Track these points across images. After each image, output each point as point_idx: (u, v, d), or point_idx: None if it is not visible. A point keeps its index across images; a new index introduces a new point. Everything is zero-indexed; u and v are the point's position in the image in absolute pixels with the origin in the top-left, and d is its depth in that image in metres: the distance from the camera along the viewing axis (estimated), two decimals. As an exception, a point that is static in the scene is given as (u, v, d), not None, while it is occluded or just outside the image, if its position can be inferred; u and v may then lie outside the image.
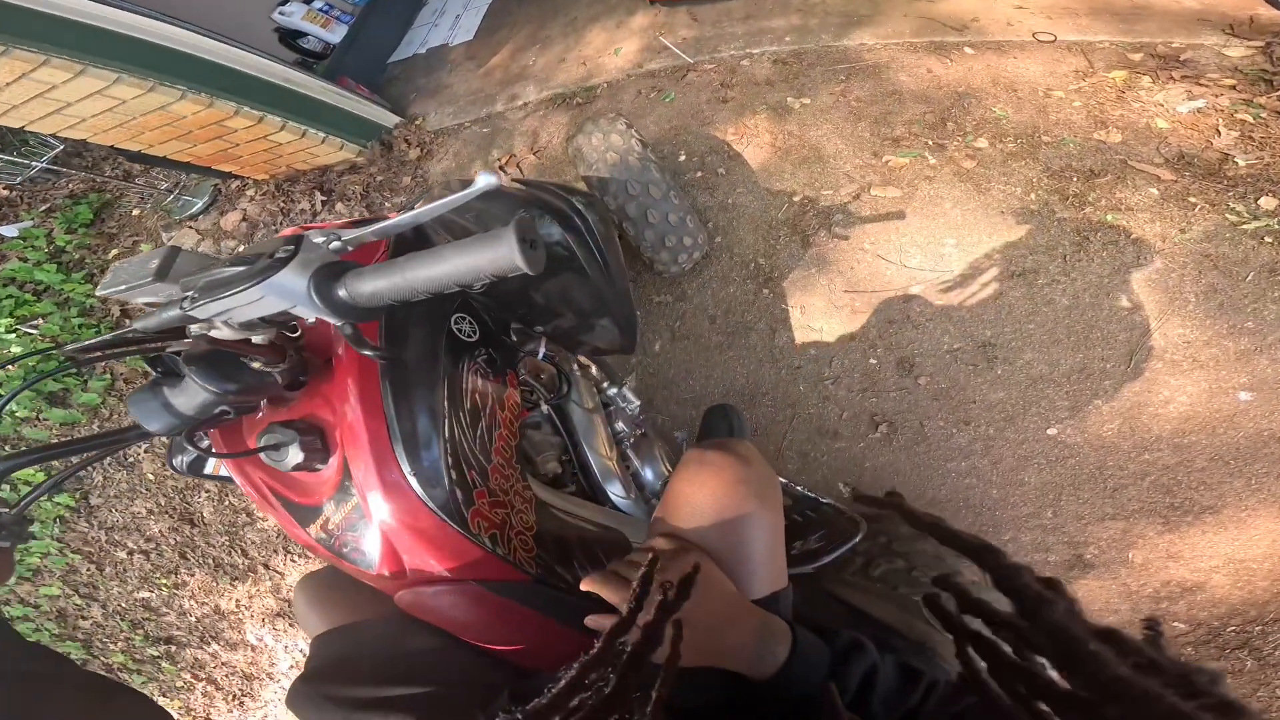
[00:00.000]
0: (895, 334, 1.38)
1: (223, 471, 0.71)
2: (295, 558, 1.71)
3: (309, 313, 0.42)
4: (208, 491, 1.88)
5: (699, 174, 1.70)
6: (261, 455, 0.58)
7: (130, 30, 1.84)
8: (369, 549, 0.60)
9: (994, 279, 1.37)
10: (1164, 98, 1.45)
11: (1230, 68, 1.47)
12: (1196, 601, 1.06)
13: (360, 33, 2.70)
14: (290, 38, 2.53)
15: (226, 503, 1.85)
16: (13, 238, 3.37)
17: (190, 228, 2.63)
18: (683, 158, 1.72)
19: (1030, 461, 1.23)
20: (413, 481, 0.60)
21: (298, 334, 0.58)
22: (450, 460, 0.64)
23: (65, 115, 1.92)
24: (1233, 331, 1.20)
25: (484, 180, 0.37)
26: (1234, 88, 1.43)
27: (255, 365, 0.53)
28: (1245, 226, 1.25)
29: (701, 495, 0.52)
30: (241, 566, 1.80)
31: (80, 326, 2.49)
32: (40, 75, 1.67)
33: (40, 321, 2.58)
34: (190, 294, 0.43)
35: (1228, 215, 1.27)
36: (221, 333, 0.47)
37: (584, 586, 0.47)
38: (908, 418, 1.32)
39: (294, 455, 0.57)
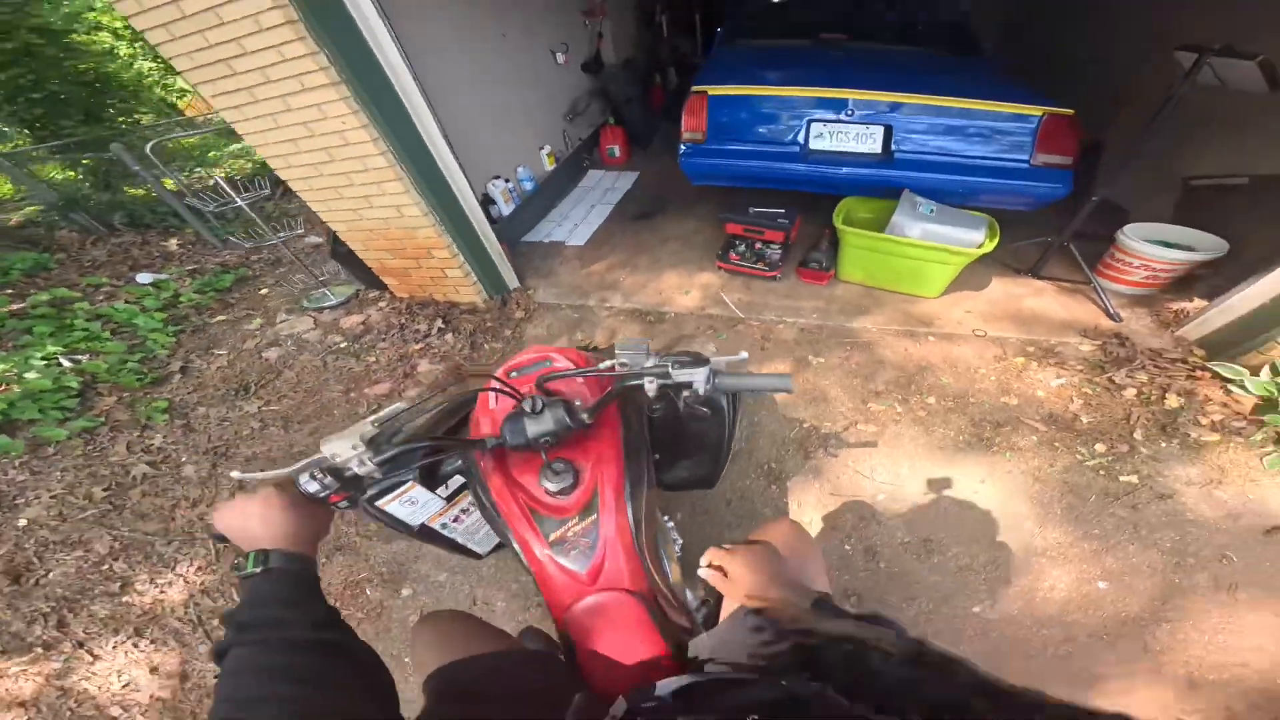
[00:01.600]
0: (864, 528, 1.76)
1: (392, 507, 0.92)
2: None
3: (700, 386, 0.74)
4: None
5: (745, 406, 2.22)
6: (541, 479, 0.83)
7: (440, 160, 2.32)
8: (589, 555, 0.81)
9: (933, 493, 1.82)
10: (1043, 376, 2.13)
11: (1081, 358, 2.18)
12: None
13: (520, 212, 3.42)
14: (484, 204, 2.98)
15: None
16: (144, 284, 3.56)
17: (311, 316, 3.02)
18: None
19: (963, 634, 1.52)
20: (630, 514, 0.84)
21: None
22: (645, 508, 0.88)
23: (358, 215, 2.46)
24: (1086, 536, 1.67)
25: (744, 354, 0.76)
26: (1082, 371, 2.12)
27: (581, 416, 0.78)
28: (1088, 463, 1.83)
29: (782, 530, 0.89)
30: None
31: (128, 370, 2.73)
32: (390, 184, 2.23)
33: (86, 358, 2.76)
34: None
35: (1077, 455, 1.84)
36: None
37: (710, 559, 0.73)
38: (872, 592, 1.62)
39: (566, 480, 0.82)
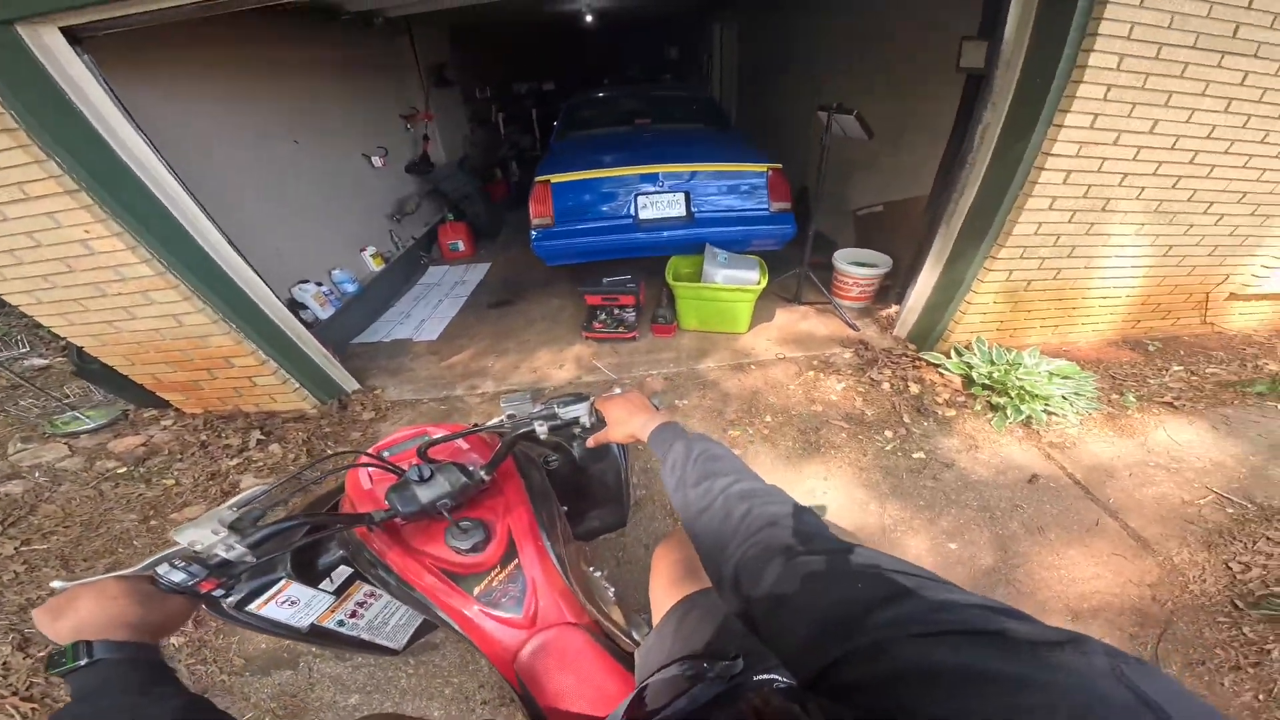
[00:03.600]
0: None
1: (267, 611, 0.79)
2: None
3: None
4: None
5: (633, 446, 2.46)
6: (448, 541, 0.79)
7: (227, 266, 2.22)
8: (520, 599, 0.80)
9: (798, 497, 2.16)
10: (830, 383, 2.72)
11: (847, 364, 2.85)
12: None
13: (342, 315, 3.33)
14: (294, 308, 2.90)
15: None
16: None
17: (64, 443, 2.60)
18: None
19: None
20: (550, 550, 0.85)
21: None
22: (566, 547, 0.90)
23: (115, 327, 2.23)
24: (917, 507, 2.00)
25: (617, 390, 0.78)
26: (852, 375, 2.77)
27: (478, 474, 0.78)
28: (886, 448, 2.30)
29: None
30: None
31: None
32: (161, 293, 2.07)
33: None
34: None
35: (876, 443, 2.35)
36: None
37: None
38: None
39: (476, 536, 0.80)
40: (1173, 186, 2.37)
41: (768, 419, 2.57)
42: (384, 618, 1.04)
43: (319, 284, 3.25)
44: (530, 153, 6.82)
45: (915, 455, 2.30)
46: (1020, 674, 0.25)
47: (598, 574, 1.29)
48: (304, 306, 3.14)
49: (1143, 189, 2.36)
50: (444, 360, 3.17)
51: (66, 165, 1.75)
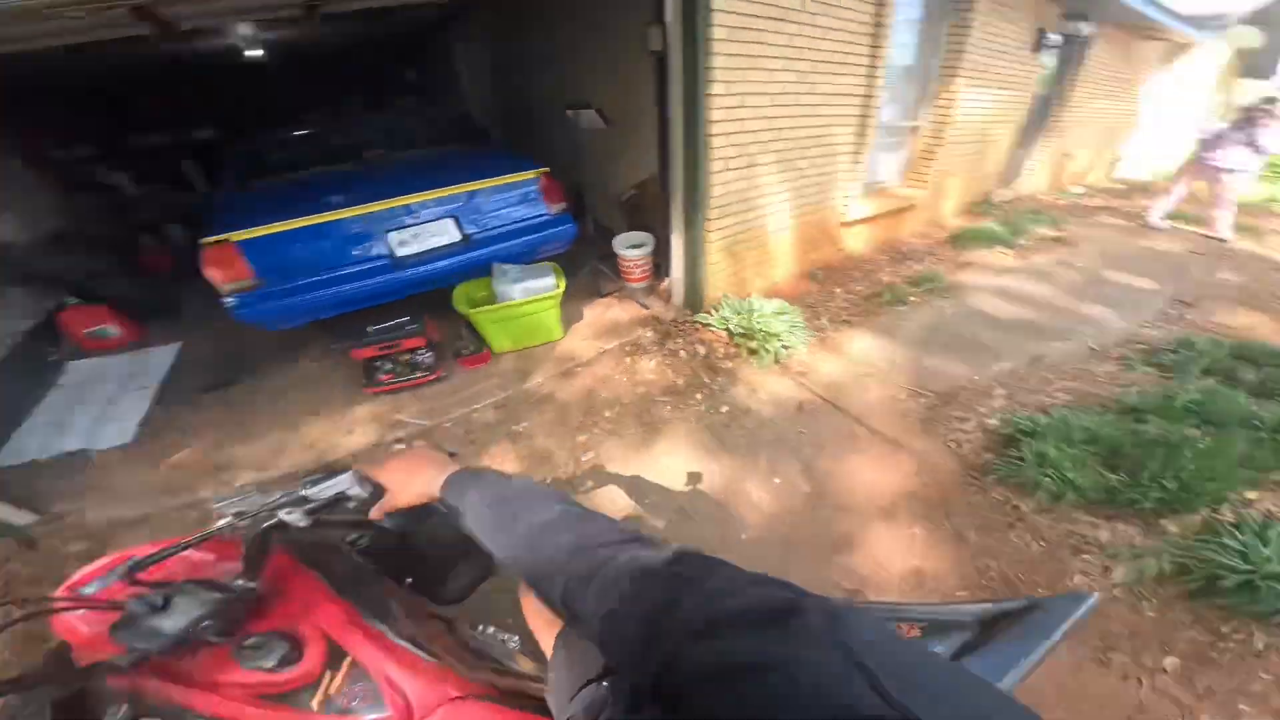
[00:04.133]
0: (643, 528, 2.05)
1: None
2: None
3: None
4: None
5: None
6: (245, 665, 0.68)
7: None
8: (378, 696, 0.71)
9: (658, 478, 2.32)
10: (644, 364, 3.13)
11: (651, 342, 3.29)
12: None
13: None
14: None
15: None
16: None
17: None
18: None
19: (747, 557, 1.84)
20: (390, 633, 0.76)
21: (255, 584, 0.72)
22: (410, 622, 0.83)
23: None
24: (740, 455, 2.45)
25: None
26: (657, 351, 3.22)
27: (236, 587, 0.68)
28: (701, 409, 2.75)
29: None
30: None
31: None
32: None
33: None
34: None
35: (693, 406, 2.84)
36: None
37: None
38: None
39: (279, 649, 0.69)
40: (780, 137, 3.29)
41: (607, 414, 2.82)
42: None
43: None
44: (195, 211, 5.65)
45: (723, 410, 2.86)
46: (768, 659, 0.27)
47: (489, 630, 1.24)
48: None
49: (767, 142, 3.24)
50: (157, 463, 2.64)
51: None
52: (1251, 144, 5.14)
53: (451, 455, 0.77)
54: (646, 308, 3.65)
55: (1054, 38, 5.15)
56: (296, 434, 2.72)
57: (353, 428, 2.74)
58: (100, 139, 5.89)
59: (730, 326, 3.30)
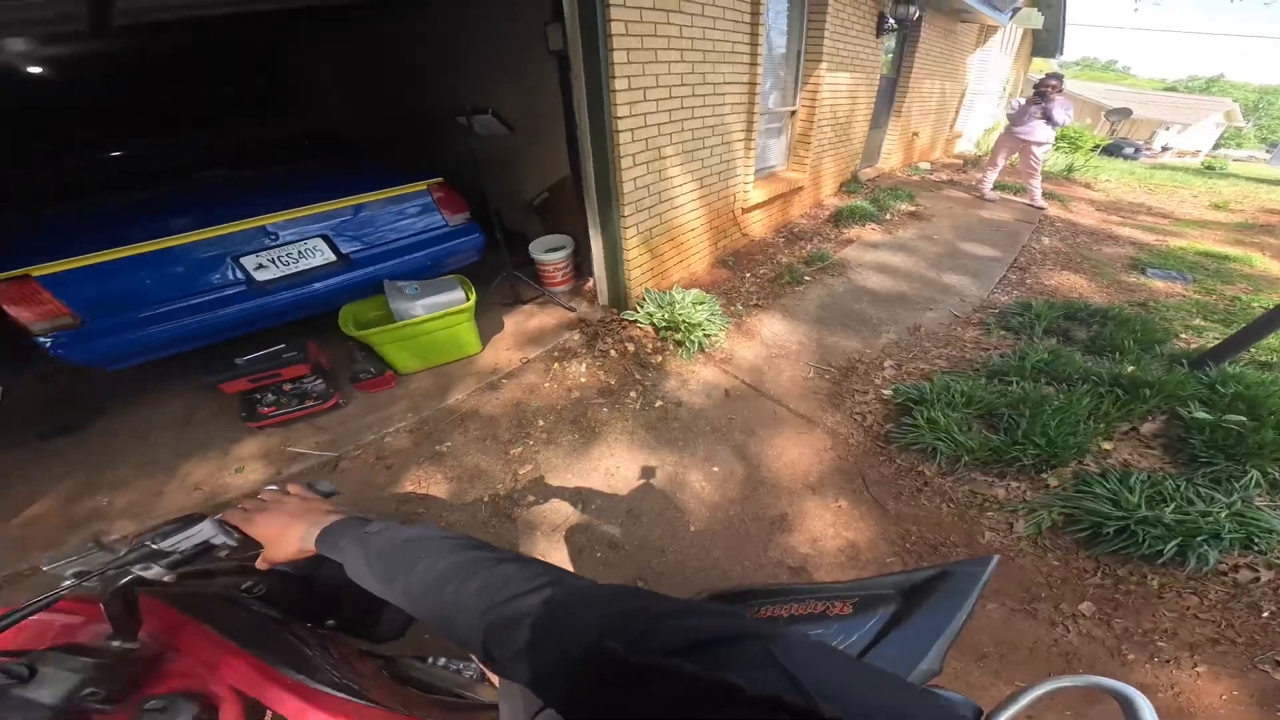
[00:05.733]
0: (594, 533, 2.10)
1: None
2: None
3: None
4: None
5: (409, 520, 2.12)
6: None
7: None
8: None
9: (604, 484, 2.31)
10: (574, 369, 3.05)
11: (579, 345, 3.22)
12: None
13: None
14: None
15: None
16: None
17: None
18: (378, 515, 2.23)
19: (696, 552, 2.00)
20: (308, 681, 0.70)
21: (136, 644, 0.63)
22: (339, 666, 0.79)
23: None
24: (680, 449, 2.46)
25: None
26: (586, 354, 3.17)
27: (113, 649, 0.60)
28: (636, 407, 2.75)
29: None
30: None
31: None
32: None
33: None
34: None
35: (628, 404, 2.82)
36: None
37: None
38: (638, 566, 1.96)
39: (187, 711, 0.61)
40: (681, 129, 3.38)
41: (541, 424, 2.73)
42: None
43: None
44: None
45: (657, 405, 2.88)
46: (710, 691, 0.27)
47: (440, 662, 1.19)
48: None
49: (671, 134, 3.31)
50: (7, 521, 2.24)
51: None
52: (1047, 117, 6.01)
53: (328, 496, 0.72)
54: (572, 310, 3.55)
55: (891, 21, 5.59)
56: (174, 477, 2.37)
57: (242, 465, 2.42)
58: None
59: (655, 320, 3.31)
